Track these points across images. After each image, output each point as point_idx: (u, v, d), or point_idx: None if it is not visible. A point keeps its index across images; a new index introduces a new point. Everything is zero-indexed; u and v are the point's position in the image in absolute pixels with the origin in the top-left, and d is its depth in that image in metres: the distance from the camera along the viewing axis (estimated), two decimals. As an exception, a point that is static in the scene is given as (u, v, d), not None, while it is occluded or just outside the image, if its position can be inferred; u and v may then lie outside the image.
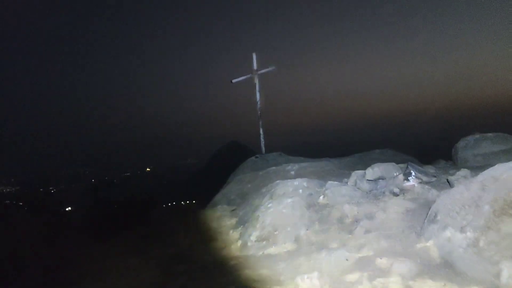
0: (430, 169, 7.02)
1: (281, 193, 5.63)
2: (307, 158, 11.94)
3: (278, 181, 6.29)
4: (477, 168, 6.59)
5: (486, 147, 6.99)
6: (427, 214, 3.80)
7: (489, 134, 7.21)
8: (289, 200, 5.15)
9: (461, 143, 7.71)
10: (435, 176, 5.81)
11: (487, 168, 6.66)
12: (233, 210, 7.51)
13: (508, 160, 6.84)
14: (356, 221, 4.50)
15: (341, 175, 7.93)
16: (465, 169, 5.20)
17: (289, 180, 6.09)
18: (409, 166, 5.76)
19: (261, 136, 12.35)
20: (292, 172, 8.31)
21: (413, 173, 5.35)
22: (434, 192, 4.83)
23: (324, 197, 5.39)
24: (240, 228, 5.49)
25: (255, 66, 11.94)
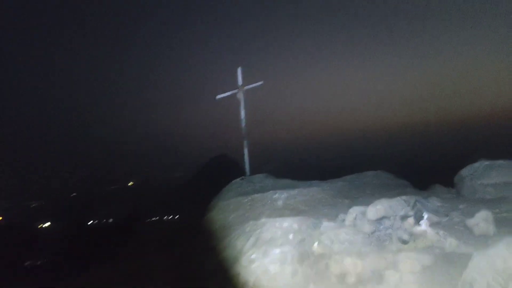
0: (436, 201, 6.22)
1: (268, 238, 4.70)
2: (295, 180, 11.08)
3: (264, 220, 5.38)
4: (490, 202, 5.81)
5: (497, 176, 6.22)
6: (459, 282, 2.93)
7: (499, 162, 6.47)
8: (277, 251, 4.22)
9: (466, 171, 6.95)
10: (447, 215, 4.98)
11: (502, 202, 5.92)
12: (213, 247, 6.55)
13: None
14: (361, 282, 3.60)
15: (336, 207, 7.06)
16: (485, 211, 4.36)
17: (277, 219, 5.18)
18: (418, 204, 4.94)
19: (246, 156, 11.44)
20: (280, 202, 7.41)
21: (426, 216, 4.51)
22: (452, 241, 3.98)
23: (319, 243, 4.48)
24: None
25: (240, 81, 11.10)
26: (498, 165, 6.38)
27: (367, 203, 5.48)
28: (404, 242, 4.31)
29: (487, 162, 6.59)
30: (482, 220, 4.34)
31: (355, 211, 5.32)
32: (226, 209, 8.60)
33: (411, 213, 4.81)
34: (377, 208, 4.96)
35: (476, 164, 6.76)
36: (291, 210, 6.94)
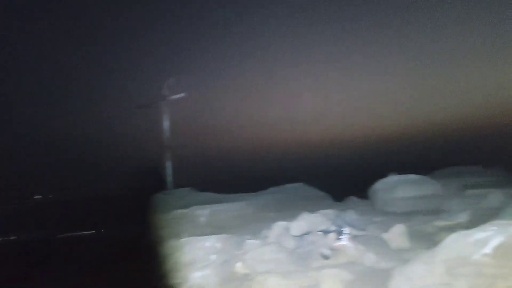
0: (353, 214, 6.48)
1: (189, 259, 4.38)
2: (220, 194, 10.86)
3: (185, 239, 5.03)
4: (403, 215, 6.20)
5: (406, 191, 6.73)
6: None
7: (409, 177, 7.02)
8: (199, 274, 3.94)
9: (378, 185, 7.39)
10: (364, 229, 5.19)
11: (413, 215, 6.38)
12: (127, 271, 5.97)
13: (431, 207, 6.67)
14: (285, 304, 3.49)
15: (260, 221, 6.97)
16: (399, 225, 4.63)
17: (199, 238, 4.88)
18: (338, 218, 5.06)
19: (168, 169, 10.91)
20: (203, 218, 7.11)
21: (345, 231, 4.62)
22: (371, 257, 4.10)
23: (242, 263, 4.30)
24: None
25: (165, 92, 10.65)
26: (407, 181, 6.91)
27: (290, 218, 5.49)
28: (326, 257, 4.34)
29: (397, 177, 7.10)
30: (397, 234, 4.59)
31: (278, 227, 5.27)
32: (144, 227, 8.02)
33: (333, 228, 4.91)
34: (300, 224, 4.98)
35: (387, 179, 7.23)
36: (215, 227, 6.68)
